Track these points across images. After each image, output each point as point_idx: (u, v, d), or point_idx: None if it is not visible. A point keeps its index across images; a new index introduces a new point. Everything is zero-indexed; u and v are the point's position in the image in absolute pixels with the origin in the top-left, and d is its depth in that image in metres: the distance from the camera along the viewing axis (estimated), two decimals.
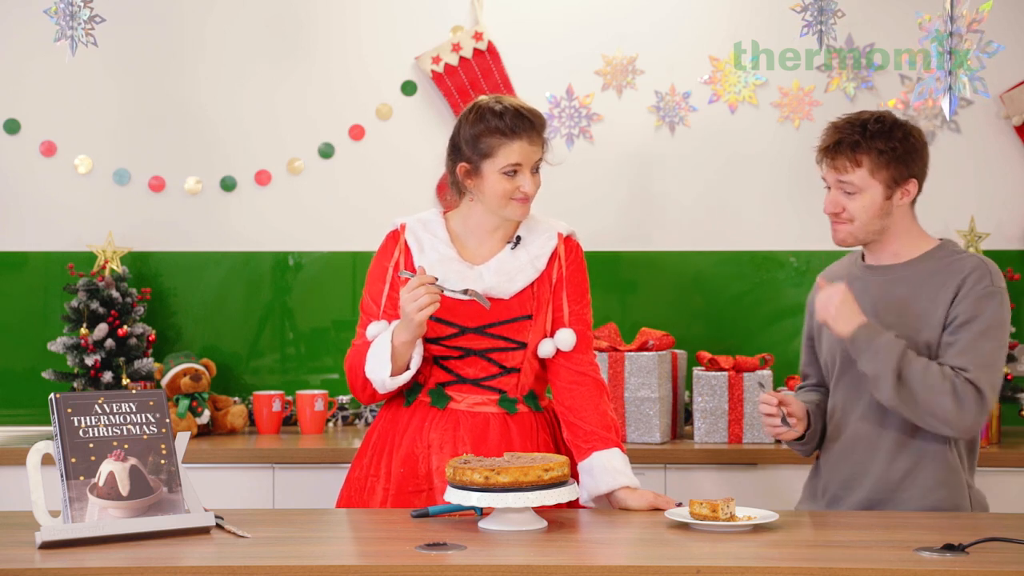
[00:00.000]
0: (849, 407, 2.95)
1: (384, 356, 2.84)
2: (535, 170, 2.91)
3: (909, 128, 2.92)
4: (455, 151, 2.94)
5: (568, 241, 3.01)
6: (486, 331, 2.92)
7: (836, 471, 2.97)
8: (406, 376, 2.88)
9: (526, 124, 2.87)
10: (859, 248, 3.05)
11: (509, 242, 2.98)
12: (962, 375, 2.78)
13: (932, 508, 2.86)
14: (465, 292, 2.85)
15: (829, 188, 2.94)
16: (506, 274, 2.94)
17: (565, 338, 2.95)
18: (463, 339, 2.93)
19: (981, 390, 2.78)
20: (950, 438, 2.87)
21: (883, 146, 2.87)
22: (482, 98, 2.97)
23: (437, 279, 2.82)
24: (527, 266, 2.95)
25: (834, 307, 2.85)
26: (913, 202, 2.96)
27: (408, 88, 4.34)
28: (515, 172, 2.88)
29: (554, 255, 2.98)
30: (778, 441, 3.80)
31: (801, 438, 3.00)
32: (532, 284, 2.95)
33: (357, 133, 4.34)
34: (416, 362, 2.88)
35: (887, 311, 2.91)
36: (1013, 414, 4.08)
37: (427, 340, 2.91)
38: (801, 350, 3.19)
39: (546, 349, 2.96)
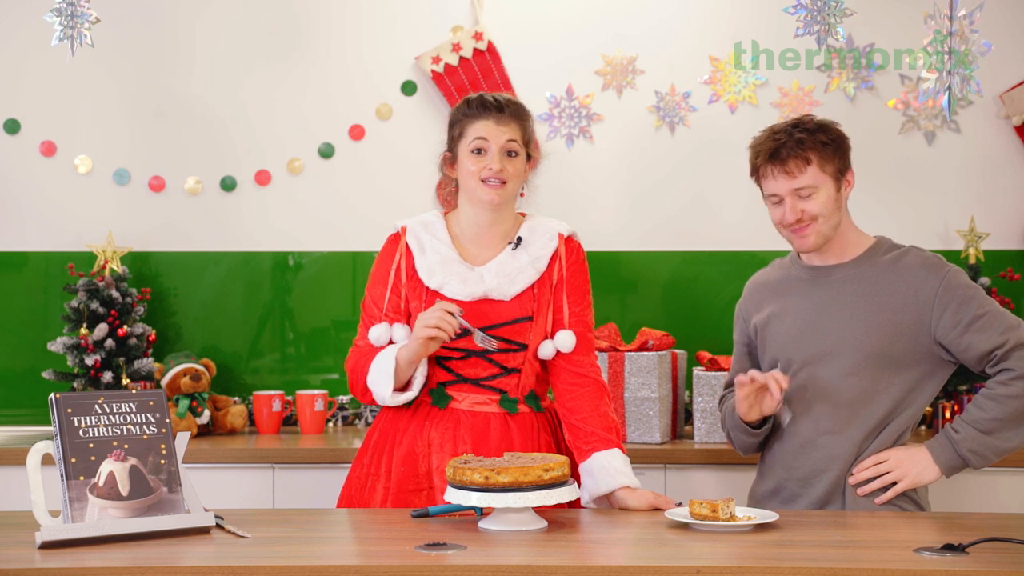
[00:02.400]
0: (804, 407, 2.94)
1: (387, 372, 2.86)
2: (510, 154, 2.93)
3: (834, 122, 2.97)
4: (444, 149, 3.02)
5: (569, 241, 3.01)
6: (487, 333, 2.92)
7: (792, 470, 2.97)
8: (407, 396, 2.90)
9: (493, 105, 2.94)
10: (787, 253, 3.09)
11: (510, 242, 2.98)
12: (1009, 354, 2.83)
13: (886, 505, 2.89)
14: (479, 334, 2.85)
15: (779, 201, 2.92)
16: (507, 275, 2.94)
17: (564, 340, 2.95)
18: (464, 340, 2.92)
19: (1021, 339, 2.86)
20: (903, 434, 2.93)
21: (825, 138, 2.91)
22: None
23: (462, 311, 2.83)
24: (528, 267, 2.95)
25: (901, 469, 2.87)
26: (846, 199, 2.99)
27: (408, 88, 4.34)
28: (482, 150, 2.91)
29: (555, 256, 2.98)
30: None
31: (759, 426, 2.98)
32: (533, 285, 2.95)
33: (357, 133, 4.34)
34: (419, 383, 2.90)
35: (837, 313, 2.93)
36: None
37: None
38: (733, 358, 3.18)
39: (546, 350, 2.96)
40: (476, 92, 3.07)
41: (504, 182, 2.91)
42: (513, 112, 2.96)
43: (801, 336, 2.96)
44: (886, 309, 2.89)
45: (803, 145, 2.88)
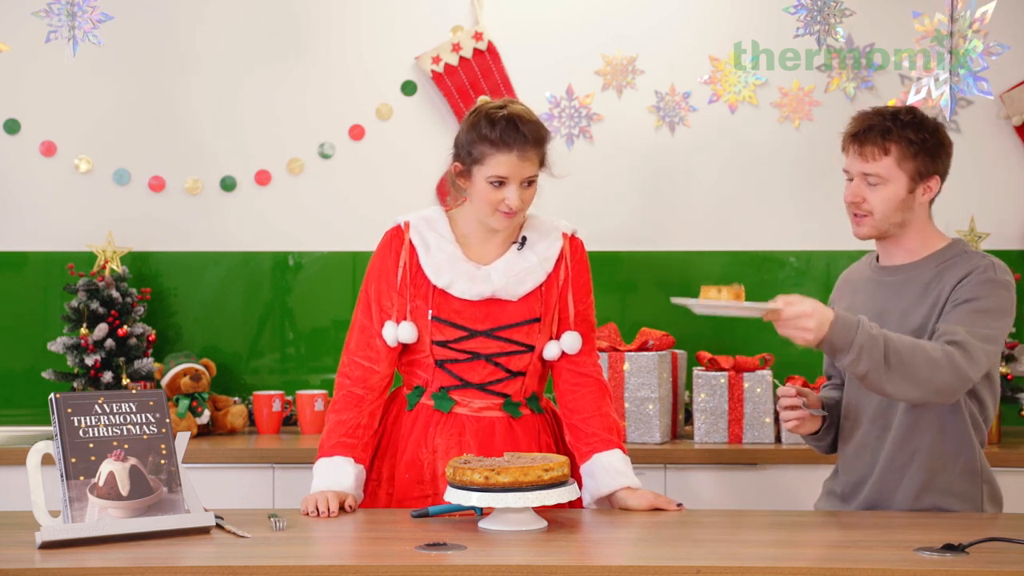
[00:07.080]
0: (861, 407, 2.90)
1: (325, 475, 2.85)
2: (527, 184, 2.84)
3: (939, 124, 2.90)
4: (455, 149, 2.92)
5: (572, 240, 2.99)
6: (495, 334, 2.90)
7: (849, 471, 2.94)
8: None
9: (518, 137, 2.80)
10: (874, 250, 3.02)
11: (514, 242, 2.95)
12: (953, 341, 2.69)
13: (934, 508, 2.83)
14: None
15: (851, 179, 2.87)
16: (515, 275, 2.90)
17: (570, 342, 2.93)
18: (472, 342, 2.90)
19: (970, 352, 2.68)
20: (969, 439, 2.82)
21: (913, 136, 2.83)
22: (487, 102, 2.92)
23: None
24: (536, 268, 2.92)
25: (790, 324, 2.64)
26: (931, 201, 2.91)
27: (408, 88, 4.34)
28: (501, 184, 2.82)
29: (560, 256, 2.96)
30: (776, 439, 3.80)
31: (816, 432, 2.96)
32: (540, 286, 2.93)
33: (357, 133, 4.34)
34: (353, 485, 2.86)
35: (891, 314, 2.86)
36: (1013, 414, 4.08)
37: (435, 343, 2.90)
38: None
39: (551, 352, 2.93)
40: (500, 104, 2.87)
41: (516, 211, 2.85)
42: (536, 141, 2.83)
43: None
44: (925, 313, 2.82)
45: (887, 135, 2.82)
